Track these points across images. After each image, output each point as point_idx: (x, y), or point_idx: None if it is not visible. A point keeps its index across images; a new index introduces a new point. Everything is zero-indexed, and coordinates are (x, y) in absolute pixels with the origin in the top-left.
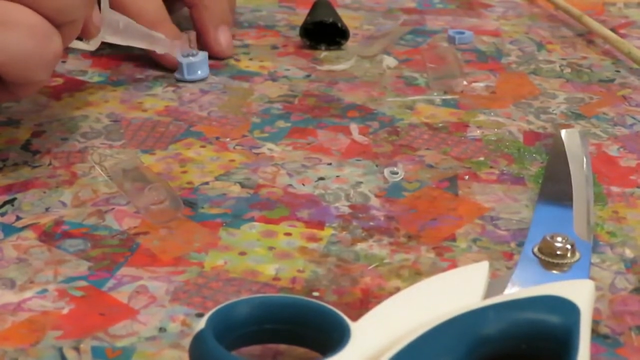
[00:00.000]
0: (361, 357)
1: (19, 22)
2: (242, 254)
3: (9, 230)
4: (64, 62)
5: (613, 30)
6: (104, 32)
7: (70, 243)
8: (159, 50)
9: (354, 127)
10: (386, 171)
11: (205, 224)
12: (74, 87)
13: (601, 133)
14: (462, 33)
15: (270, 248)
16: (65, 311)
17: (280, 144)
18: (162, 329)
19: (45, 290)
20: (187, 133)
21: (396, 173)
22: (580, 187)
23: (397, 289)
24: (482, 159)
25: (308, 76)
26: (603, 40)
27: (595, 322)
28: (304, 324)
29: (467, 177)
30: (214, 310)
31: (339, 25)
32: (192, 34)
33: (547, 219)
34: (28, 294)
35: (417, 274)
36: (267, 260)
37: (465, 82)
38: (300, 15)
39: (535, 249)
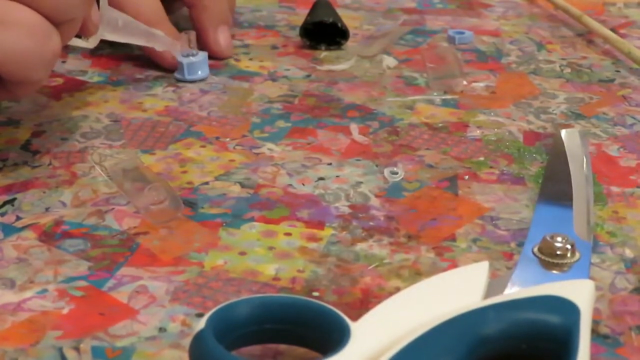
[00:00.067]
0: (361, 357)
1: (18, 21)
2: (242, 254)
3: (9, 230)
4: (63, 62)
5: (613, 30)
6: (103, 29)
7: (70, 243)
8: (159, 47)
9: (354, 127)
10: (386, 171)
11: (205, 224)
12: (74, 87)
13: (601, 133)
14: (462, 33)
15: (270, 248)
16: (65, 311)
17: (280, 144)
18: (162, 329)
19: (45, 290)
20: (187, 133)
21: (396, 173)
22: (580, 187)
23: (397, 289)
24: (482, 159)
25: (308, 76)
26: (603, 40)
27: (595, 322)
28: (304, 324)
29: (467, 177)
30: (214, 310)
31: (339, 25)
32: (192, 34)
33: (547, 219)
34: (28, 294)
35: (417, 274)
36: (267, 260)
37: (465, 82)
38: (300, 15)
39: (535, 249)
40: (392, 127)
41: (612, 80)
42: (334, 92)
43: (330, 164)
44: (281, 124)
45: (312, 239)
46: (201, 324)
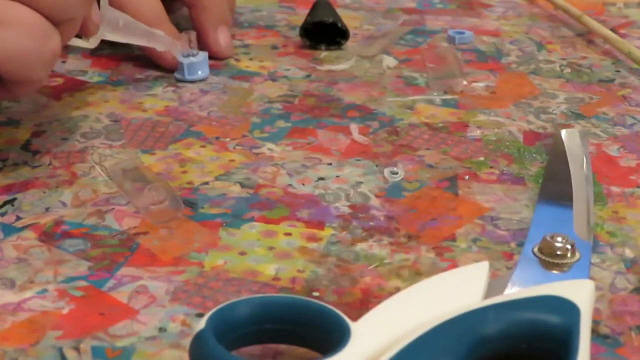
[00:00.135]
0: (361, 357)
1: (18, 21)
2: (242, 254)
3: (9, 230)
4: (63, 62)
5: (613, 30)
6: (104, 29)
7: (70, 243)
8: (159, 47)
9: (354, 127)
10: (386, 171)
11: (205, 224)
12: (74, 87)
13: (601, 133)
14: (462, 33)
15: (270, 248)
16: (65, 311)
17: (280, 144)
18: (162, 329)
19: (45, 290)
20: (187, 133)
21: (396, 173)
22: (580, 187)
23: (397, 289)
24: (482, 159)
25: (308, 76)
26: (603, 40)
27: (595, 322)
28: (304, 324)
29: (467, 177)
30: (214, 310)
31: (339, 25)
32: (192, 34)
33: (547, 219)
34: (28, 294)
35: (417, 274)
36: (267, 260)
37: (465, 82)
38: (300, 15)
39: (535, 249)
40: (392, 127)
41: (612, 80)
42: (334, 92)
43: (330, 164)
44: (281, 124)
45: (312, 239)
46: (201, 324)
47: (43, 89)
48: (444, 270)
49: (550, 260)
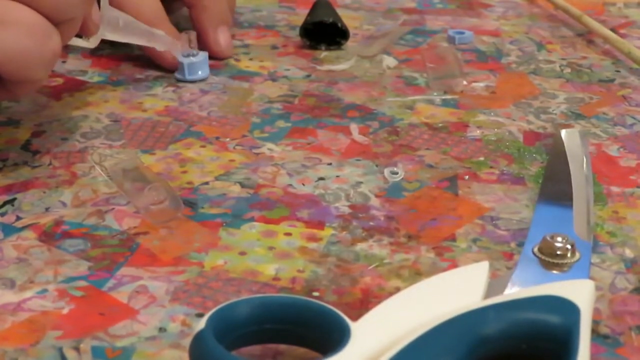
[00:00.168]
0: (361, 357)
1: (18, 21)
2: (242, 254)
3: (9, 230)
4: (63, 62)
5: (613, 30)
6: (104, 29)
7: (70, 243)
8: (159, 47)
9: (354, 127)
10: (386, 171)
11: (205, 224)
12: (74, 87)
13: (601, 133)
14: (462, 33)
15: (270, 248)
16: (65, 311)
17: (280, 144)
18: (162, 329)
19: (45, 290)
20: (187, 133)
21: (396, 173)
22: (580, 187)
23: (397, 289)
24: (482, 159)
25: (308, 76)
26: (603, 40)
27: (595, 322)
28: (304, 324)
29: (467, 177)
30: (214, 310)
31: (339, 25)
32: (193, 34)
33: (547, 219)
34: (28, 294)
35: (417, 274)
36: (267, 260)
37: (465, 82)
38: (300, 15)
39: (535, 249)
40: (392, 127)
41: (612, 80)
42: (334, 92)
43: (330, 164)
44: (281, 124)
45: (312, 239)
46: (201, 324)
47: (43, 89)
48: (444, 270)
49: (550, 260)
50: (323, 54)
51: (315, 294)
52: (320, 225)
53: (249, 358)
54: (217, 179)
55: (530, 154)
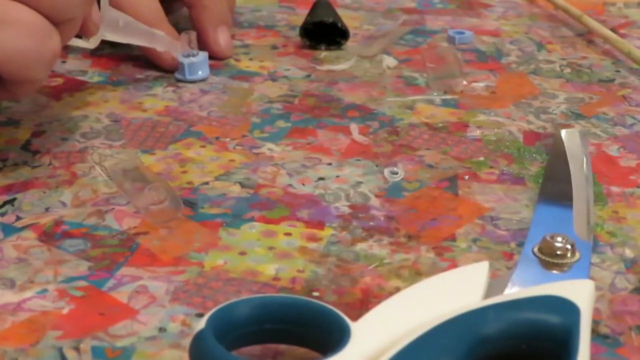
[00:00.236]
0: (361, 357)
1: (17, 20)
2: (242, 254)
3: (9, 230)
4: (63, 62)
5: (613, 30)
6: (104, 29)
7: (70, 243)
8: (159, 47)
9: (354, 127)
10: (386, 171)
11: (205, 224)
12: (74, 87)
13: (601, 133)
14: (462, 33)
15: (270, 248)
16: (65, 311)
17: (280, 144)
18: (162, 329)
19: (45, 290)
20: (187, 133)
21: (396, 173)
22: (580, 187)
23: (397, 289)
24: (482, 159)
25: (308, 76)
26: (603, 40)
27: (595, 322)
28: (304, 324)
29: (467, 177)
30: (214, 310)
31: (339, 25)
32: (193, 34)
33: (547, 219)
34: (28, 294)
35: (417, 274)
36: (267, 260)
37: (465, 82)
38: (300, 15)
39: (535, 249)
40: (392, 127)
41: (612, 80)
42: (334, 92)
43: (330, 164)
44: (281, 124)
45: (312, 239)
46: (201, 324)
47: (43, 89)
48: (444, 270)
49: (550, 260)
50: (323, 54)
51: (315, 294)
52: (320, 225)
53: (249, 358)
54: (217, 179)
55: (530, 154)
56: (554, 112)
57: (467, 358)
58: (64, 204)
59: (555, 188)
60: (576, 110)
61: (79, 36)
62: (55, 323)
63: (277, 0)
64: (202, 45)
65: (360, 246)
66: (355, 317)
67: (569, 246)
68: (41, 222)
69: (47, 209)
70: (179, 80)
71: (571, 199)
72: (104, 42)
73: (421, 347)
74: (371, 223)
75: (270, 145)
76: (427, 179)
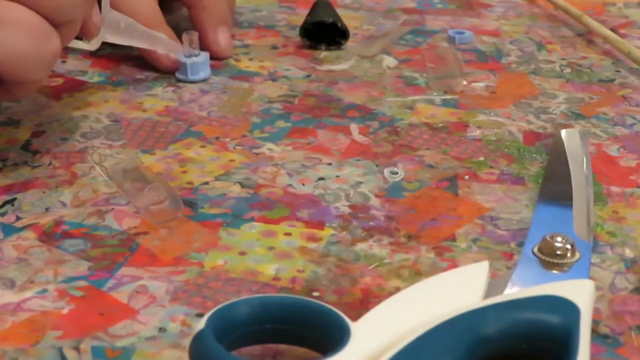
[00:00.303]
0: (361, 357)
1: (17, 21)
2: (242, 254)
3: (9, 230)
4: (63, 62)
5: (613, 30)
6: (105, 31)
7: (70, 243)
8: (160, 50)
9: (354, 127)
10: (386, 171)
11: (205, 224)
12: (74, 87)
13: (601, 133)
14: (462, 33)
15: (270, 248)
16: (65, 311)
17: (280, 144)
18: (162, 329)
19: (45, 290)
20: (187, 133)
21: (396, 173)
22: (580, 187)
23: (397, 289)
24: (482, 159)
25: (308, 76)
26: (603, 40)
27: (595, 322)
28: (304, 324)
29: (467, 177)
30: (214, 310)
31: (339, 25)
32: (194, 35)
33: (547, 219)
34: (28, 294)
35: (417, 274)
36: (267, 260)
37: (465, 82)
38: (300, 15)
39: (535, 249)
40: (392, 127)
41: (612, 80)
42: (334, 92)
43: (330, 164)
44: (281, 124)
45: (312, 239)
46: (201, 324)
47: (43, 89)
48: (444, 270)
49: (550, 260)
50: (323, 54)
51: (315, 294)
52: (320, 225)
53: (249, 358)
54: (217, 179)
55: (530, 154)
56: (554, 112)
57: (467, 358)
58: (64, 204)
59: (555, 188)
60: (576, 110)
61: (79, 38)
62: (55, 323)
63: (277, 0)
64: (202, 45)
65: (360, 246)
66: (355, 317)
67: (569, 246)
68: (41, 222)
69: (47, 209)
70: (179, 81)
71: (571, 199)
72: (104, 43)
73: (421, 347)
74: (371, 223)
75: (270, 145)
76: (427, 179)
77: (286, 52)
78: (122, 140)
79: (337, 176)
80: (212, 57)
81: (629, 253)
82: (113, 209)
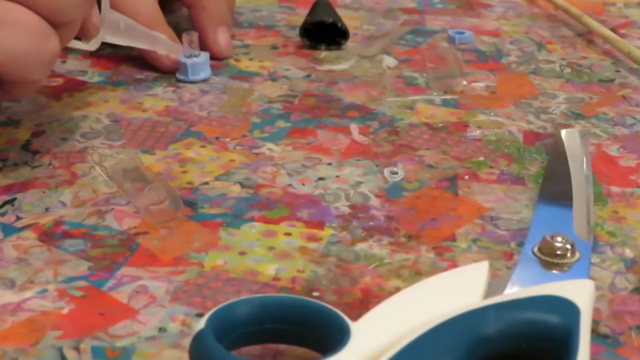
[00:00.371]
0: (361, 357)
1: (16, 21)
2: (242, 254)
3: (9, 230)
4: (63, 62)
5: (613, 30)
6: (105, 32)
7: (70, 243)
8: (160, 50)
9: (354, 127)
10: (386, 171)
11: (205, 224)
12: (74, 87)
13: (601, 133)
14: (462, 33)
15: (270, 248)
16: (65, 311)
17: (280, 144)
18: (162, 329)
19: (45, 290)
20: (187, 133)
21: (396, 173)
22: (580, 187)
23: (397, 289)
24: (482, 159)
25: (308, 76)
26: (603, 40)
27: (595, 322)
28: (304, 324)
29: (467, 177)
30: (214, 310)
31: (339, 25)
32: (194, 35)
33: (547, 219)
34: (28, 294)
35: (417, 274)
36: (267, 260)
37: (465, 82)
38: (300, 15)
39: (535, 249)
40: (392, 127)
41: (612, 80)
42: (334, 92)
43: (330, 164)
44: (281, 124)
45: (312, 239)
46: (201, 324)
47: (43, 89)
48: (444, 270)
49: (550, 260)
50: (323, 54)
51: (315, 294)
52: (320, 225)
53: (249, 358)
54: (217, 179)
55: (530, 154)
56: (554, 112)
57: (467, 358)
58: (64, 204)
59: (555, 188)
60: (576, 110)
61: (79, 38)
62: (55, 323)
63: (277, 0)
64: (202, 45)
65: (360, 246)
66: (355, 317)
67: (568, 246)
68: (41, 222)
69: (47, 209)
70: (180, 81)
71: (571, 199)
72: (103, 43)
73: (421, 347)
74: (371, 223)
75: (270, 145)
76: (427, 179)
77: (286, 52)
78: (122, 140)
79: (337, 176)
80: (212, 57)
81: (629, 253)
82: (113, 209)
